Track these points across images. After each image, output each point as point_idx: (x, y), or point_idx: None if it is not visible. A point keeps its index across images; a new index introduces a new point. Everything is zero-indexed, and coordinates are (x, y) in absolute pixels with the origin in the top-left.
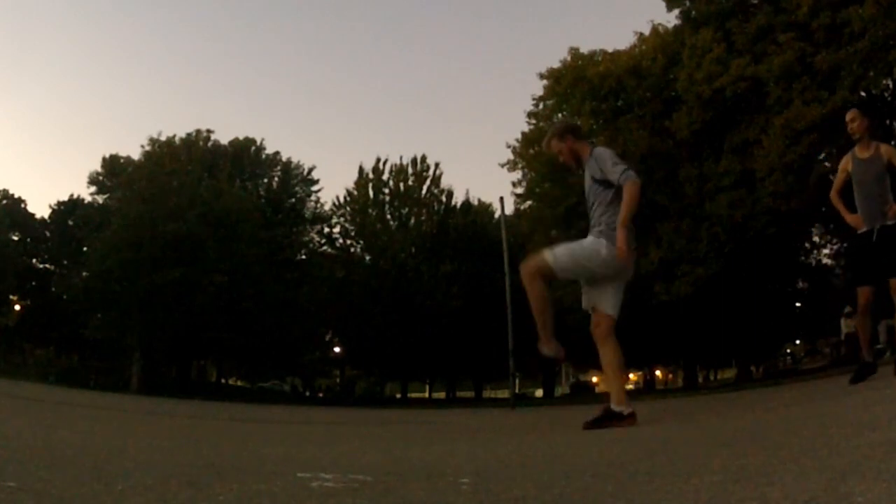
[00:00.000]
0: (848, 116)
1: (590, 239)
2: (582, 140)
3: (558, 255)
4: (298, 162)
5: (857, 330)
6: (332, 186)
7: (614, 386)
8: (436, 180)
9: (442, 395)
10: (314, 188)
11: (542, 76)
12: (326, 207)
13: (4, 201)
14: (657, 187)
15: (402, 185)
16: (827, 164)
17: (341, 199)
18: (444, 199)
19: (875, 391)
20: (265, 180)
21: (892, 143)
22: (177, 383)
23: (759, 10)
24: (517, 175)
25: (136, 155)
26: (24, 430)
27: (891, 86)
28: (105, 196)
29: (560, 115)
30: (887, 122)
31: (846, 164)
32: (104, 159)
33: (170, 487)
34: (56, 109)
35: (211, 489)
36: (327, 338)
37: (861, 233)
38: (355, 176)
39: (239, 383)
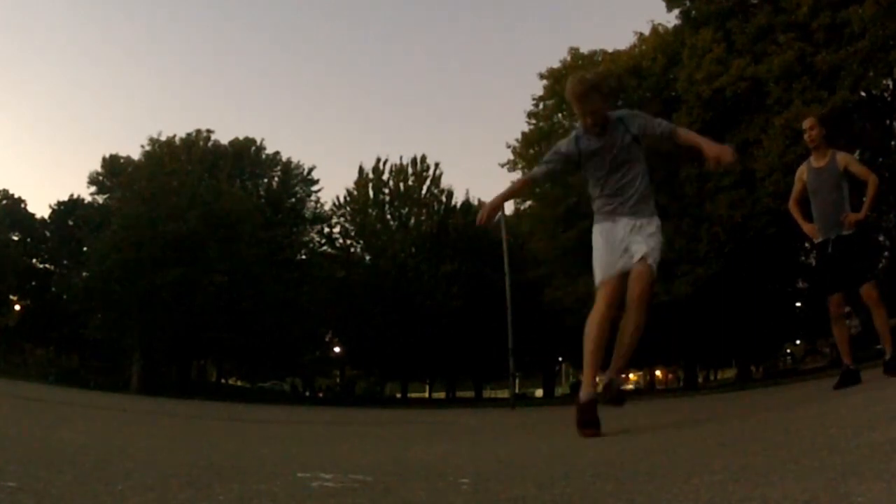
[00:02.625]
0: (805, 124)
1: (655, 223)
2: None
3: (656, 260)
4: (298, 162)
5: (835, 338)
6: (332, 186)
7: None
8: (436, 180)
9: (442, 395)
10: (314, 188)
11: (542, 76)
12: (326, 207)
13: (4, 201)
14: (657, 187)
15: (402, 185)
16: None
17: (341, 199)
18: (444, 199)
19: (875, 391)
20: (265, 180)
21: (892, 143)
22: (177, 383)
23: (759, 10)
24: (517, 175)
25: (136, 155)
26: (24, 430)
27: (891, 86)
28: (105, 196)
29: (560, 114)
30: (887, 122)
31: (802, 173)
32: (104, 159)
33: (170, 487)
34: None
35: (211, 489)
36: (327, 338)
37: (818, 243)
38: (355, 176)
39: (239, 383)
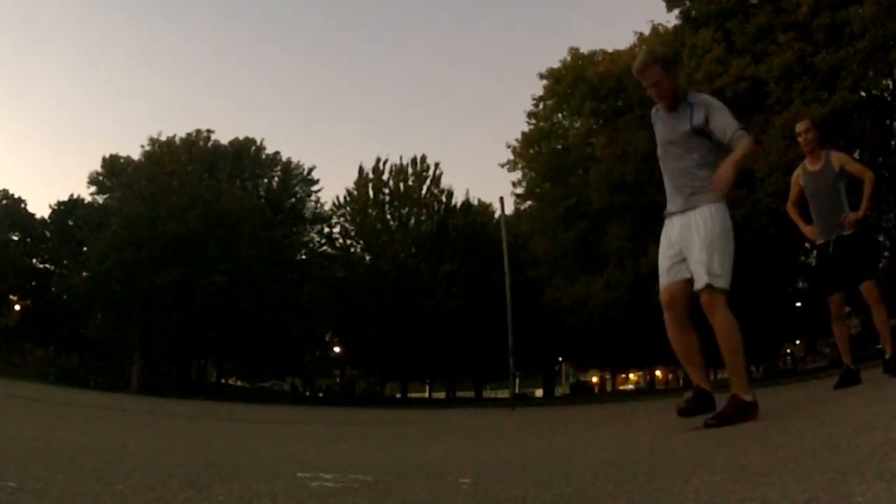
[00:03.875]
0: (800, 127)
1: (719, 212)
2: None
3: (725, 274)
4: (298, 162)
5: (836, 337)
6: (332, 186)
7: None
8: (436, 180)
9: (442, 395)
10: (314, 188)
11: (542, 76)
12: (326, 207)
13: (4, 201)
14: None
15: (402, 185)
16: None
17: (341, 199)
18: (444, 199)
19: (875, 391)
20: (265, 180)
21: (892, 143)
22: (177, 383)
23: (759, 10)
24: (517, 175)
25: (136, 155)
26: (24, 430)
27: (891, 86)
28: (105, 196)
29: (560, 114)
30: (887, 122)
31: (797, 177)
32: (104, 159)
33: (170, 487)
34: (56, 109)
35: (211, 489)
36: (327, 338)
37: (819, 245)
38: (355, 176)
39: (239, 383)
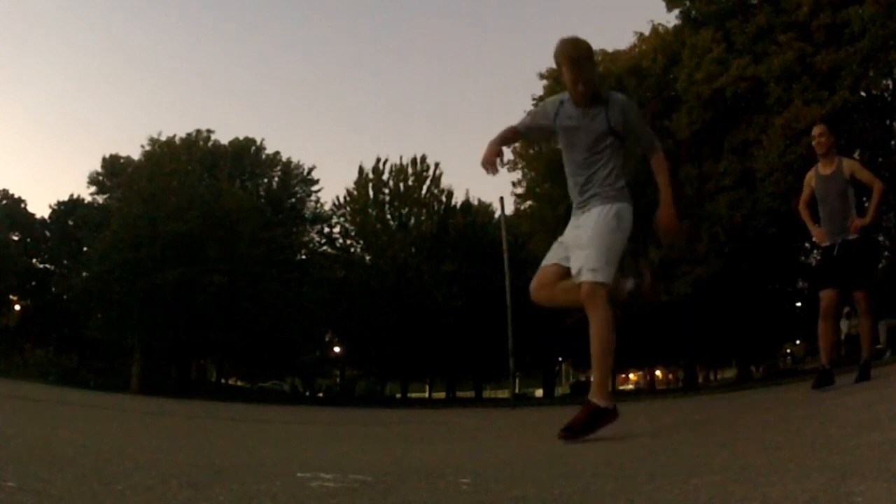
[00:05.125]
0: (816, 131)
1: (613, 211)
2: None
3: (606, 268)
4: (298, 162)
5: (819, 334)
6: (332, 186)
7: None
8: (436, 180)
9: (442, 395)
10: (314, 188)
11: (542, 76)
12: (326, 207)
13: (4, 201)
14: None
15: (402, 185)
16: None
17: (341, 199)
18: (444, 199)
19: (875, 391)
20: (265, 180)
21: (892, 143)
22: (177, 383)
23: (759, 10)
24: (517, 175)
25: (136, 155)
26: (25, 430)
27: (891, 86)
28: (105, 196)
29: None
30: (887, 122)
31: (810, 179)
32: (104, 159)
33: (170, 487)
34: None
35: (211, 489)
36: (327, 338)
37: (825, 247)
38: (355, 176)
39: (239, 383)
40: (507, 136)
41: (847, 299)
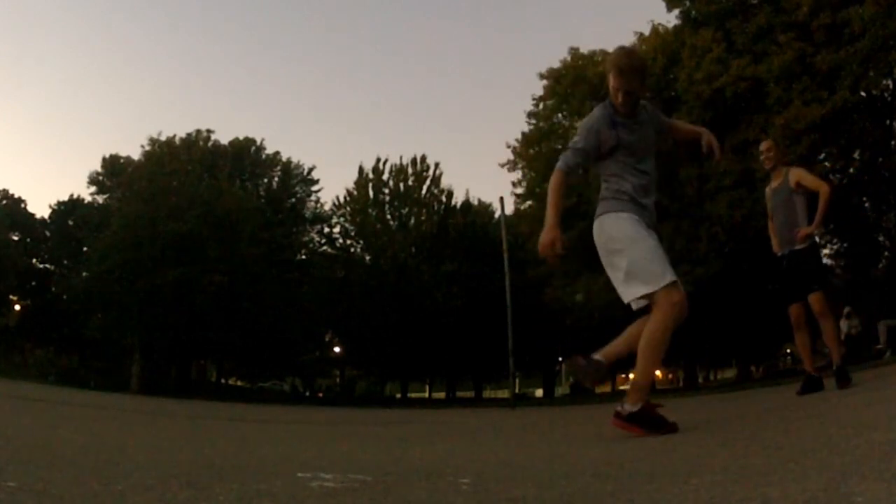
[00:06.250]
0: (763, 146)
1: (606, 222)
2: None
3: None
4: (298, 162)
5: (797, 345)
6: (332, 186)
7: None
8: (436, 180)
9: (442, 395)
10: (314, 188)
11: (542, 76)
12: (326, 207)
13: (4, 201)
14: (657, 187)
15: (401, 185)
16: (827, 163)
17: (341, 199)
18: (444, 199)
19: (875, 391)
20: (265, 180)
21: (892, 143)
22: (177, 383)
23: (759, 10)
24: (517, 175)
25: (136, 155)
26: (25, 430)
27: (891, 86)
28: (105, 196)
29: (560, 115)
30: (887, 122)
31: (767, 193)
32: (104, 159)
33: (170, 487)
34: (56, 109)
35: (211, 489)
36: (327, 338)
37: (777, 257)
38: (355, 176)
39: (239, 383)
40: (558, 199)
41: (853, 297)
